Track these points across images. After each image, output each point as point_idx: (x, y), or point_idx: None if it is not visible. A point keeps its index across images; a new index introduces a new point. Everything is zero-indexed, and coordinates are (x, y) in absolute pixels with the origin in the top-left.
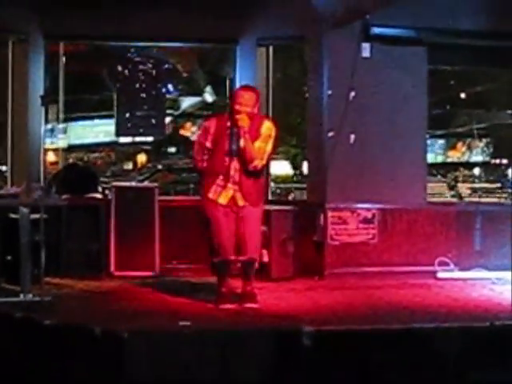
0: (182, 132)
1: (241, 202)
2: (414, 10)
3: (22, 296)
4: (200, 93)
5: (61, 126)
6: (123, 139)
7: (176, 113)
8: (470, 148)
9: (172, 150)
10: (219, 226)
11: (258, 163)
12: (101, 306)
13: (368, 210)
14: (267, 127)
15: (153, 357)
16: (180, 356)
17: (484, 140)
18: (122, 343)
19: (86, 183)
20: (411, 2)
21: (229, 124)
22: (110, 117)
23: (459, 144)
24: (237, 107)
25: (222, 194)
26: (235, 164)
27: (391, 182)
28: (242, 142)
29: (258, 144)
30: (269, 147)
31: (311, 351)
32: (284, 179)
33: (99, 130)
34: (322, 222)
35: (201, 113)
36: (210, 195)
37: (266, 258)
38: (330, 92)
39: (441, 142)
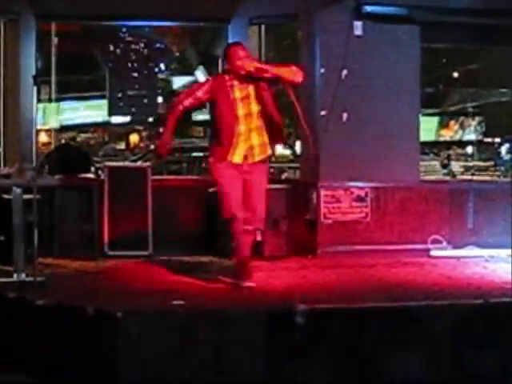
0: None
1: (251, 159)
2: None
3: (15, 276)
4: (192, 72)
5: (53, 105)
6: (116, 119)
7: (168, 92)
8: (462, 126)
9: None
10: (229, 186)
11: (298, 75)
12: (94, 285)
13: (361, 188)
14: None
15: (146, 336)
16: (173, 335)
17: (477, 118)
18: (116, 323)
19: (78, 163)
20: None
21: (229, 81)
22: (102, 97)
23: (452, 122)
24: (239, 63)
25: (236, 153)
26: (244, 122)
27: (384, 161)
28: (271, 69)
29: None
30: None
31: (304, 329)
32: (277, 158)
33: (92, 110)
34: (314, 200)
35: None
36: (228, 157)
37: (259, 237)
38: (322, 70)
39: (434, 120)
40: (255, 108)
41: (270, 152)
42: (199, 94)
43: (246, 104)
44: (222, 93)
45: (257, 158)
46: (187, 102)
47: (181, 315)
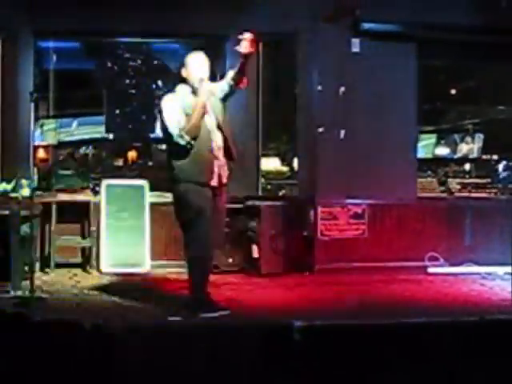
0: None
1: None
2: (403, 6)
3: (12, 292)
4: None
5: (51, 122)
6: (113, 135)
7: None
8: (460, 144)
9: (163, 146)
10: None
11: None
12: (91, 302)
13: (358, 205)
14: None
15: (143, 351)
16: (170, 351)
17: (474, 136)
18: (113, 339)
19: (76, 179)
20: None
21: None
22: (100, 113)
23: (449, 139)
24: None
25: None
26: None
27: (381, 178)
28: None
29: None
30: None
31: (301, 346)
32: (275, 175)
33: (89, 127)
34: (312, 217)
35: None
36: None
37: (255, 254)
38: (319, 87)
39: (431, 137)
40: None
41: None
42: None
43: None
44: None
45: None
46: None
47: (177, 331)
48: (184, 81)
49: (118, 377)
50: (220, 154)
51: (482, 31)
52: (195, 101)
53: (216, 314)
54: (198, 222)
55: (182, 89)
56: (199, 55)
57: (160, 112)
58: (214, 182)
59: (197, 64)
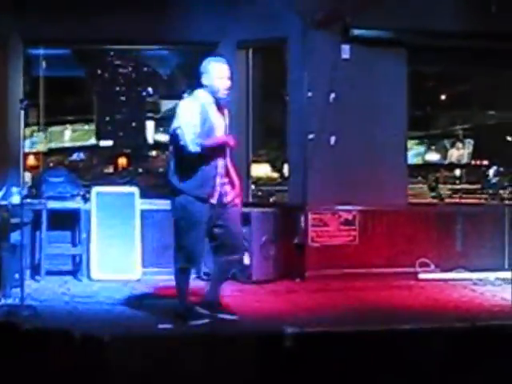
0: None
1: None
2: (393, 12)
3: (2, 300)
4: (180, 96)
5: (41, 129)
6: (103, 142)
7: (156, 116)
8: (450, 149)
9: (153, 153)
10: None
11: None
12: (82, 310)
13: (349, 211)
14: None
15: (133, 360)
16: (161, 359)
17: (465, 141)
18: (103, 347)
19: (66, 187)
20: (390, 3)
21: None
22: (90, 120)
23: (440, 145)
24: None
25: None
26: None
27: (372, 184)
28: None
29: None
30: None
31: (293, 353)
32: (265, 181)
33: (80, 134)
34: (302, 224)
35: None
36: None
37: (246, 261)
38: (310, 94)
39: (422, 142)
40: None
41: None
42: None
43: None
44: None
45: None
46: None
47: (167, 339)
48: (201, 86)
49: None
50: (223, 172)
51: (472, 37)
52: (219, 116)
53: (206, 321)
54: (188, 234)
55: (202, 94)
56: (222, 63)
57: (175, 116)
58: (214, 200)
59: (220, 73)
